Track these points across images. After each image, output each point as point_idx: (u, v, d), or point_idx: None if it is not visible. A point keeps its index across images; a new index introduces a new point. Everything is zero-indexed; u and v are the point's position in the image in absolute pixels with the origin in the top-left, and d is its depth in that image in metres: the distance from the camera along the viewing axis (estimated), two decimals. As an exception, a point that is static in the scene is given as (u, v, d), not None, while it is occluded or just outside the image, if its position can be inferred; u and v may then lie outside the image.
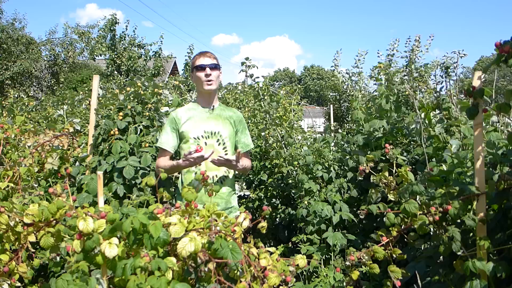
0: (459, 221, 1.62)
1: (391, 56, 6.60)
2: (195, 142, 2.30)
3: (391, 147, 2.23)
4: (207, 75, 2.30)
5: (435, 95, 3.05)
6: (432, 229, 1.72)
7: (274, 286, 1.16)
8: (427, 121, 2.65)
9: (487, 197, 1.63)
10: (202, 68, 2.31)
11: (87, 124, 3.71)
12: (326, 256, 3.08)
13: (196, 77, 2.34)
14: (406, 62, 5.79)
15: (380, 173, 1.97)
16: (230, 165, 2.24)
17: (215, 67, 2.34)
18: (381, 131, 3.04)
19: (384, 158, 2.52)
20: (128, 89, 3.11)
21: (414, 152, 2.79)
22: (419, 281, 1.80)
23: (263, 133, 3.86)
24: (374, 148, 3.01)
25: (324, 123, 9.87)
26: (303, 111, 5.96)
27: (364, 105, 3.39)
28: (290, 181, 3.51)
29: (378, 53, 7.09)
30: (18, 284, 1.37)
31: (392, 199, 1.97)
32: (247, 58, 3.25)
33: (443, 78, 3.20)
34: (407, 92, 2.93)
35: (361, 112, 3.11)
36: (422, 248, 1.97)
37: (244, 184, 4.13)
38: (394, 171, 2.01)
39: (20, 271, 1.34)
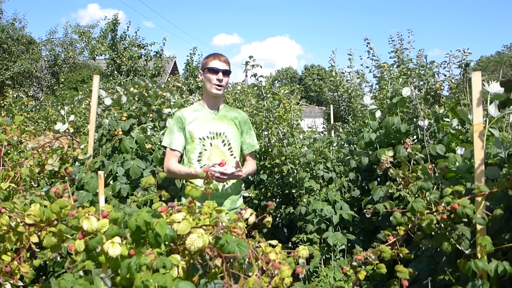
0: (466, 220, 1.63)
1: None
2: (200, 143, 2.29)
3: (411, 142, 2.22)
4: (219, 80, 2.29)
5: (453, 91, 3.03)
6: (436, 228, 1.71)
7: (287, 278, 1.16)
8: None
9: (494, 196, 1.63)
10: (215, 71, 2.28)
11: (87, 124, 3.71)
12: (326, 256, 3.09)
13: (207, 78, 2.31)
14: (395, 62, 5.76)
15: (400, 168, 1.95)
16: (235, 177, 2.22)
17: (227, 73, 2.33)
18: (395, 129, 3.04)
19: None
20: (131, 90, 3.13)
21: (424, 151, 2.80)
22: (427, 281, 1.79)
23: (265, 132, 3.87)
24: (379, 147, 3.02)
25: (323, 123, 9.86)
26: (302, 111, 5.97)
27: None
28: (291, 179, 3.51)
29: (361, 58, 7.10)
30: (20, 283, 1.37)
31: (400, 196, 1.97)
32: (251, 57, 3.25)
33: (459, 75, 3.17)
34: (437, 85, 2.92)
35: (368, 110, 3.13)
36: (422, 247, 1.97)
37: (243, 185, 4.13)
38: (410, 167, 2.01)
39: (22, 271, 1.34)
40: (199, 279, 1.15)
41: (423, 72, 3.19)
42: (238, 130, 2.41)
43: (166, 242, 1.15)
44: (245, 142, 2.47)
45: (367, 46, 6.74)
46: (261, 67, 3.24)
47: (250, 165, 2.44)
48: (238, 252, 1.09)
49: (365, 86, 7.37)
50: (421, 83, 3.05)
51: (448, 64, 3.19)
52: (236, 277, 1.14)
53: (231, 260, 1.13)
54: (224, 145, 2.34)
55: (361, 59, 7.13)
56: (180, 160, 2.41)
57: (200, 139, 2.29)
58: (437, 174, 1.91)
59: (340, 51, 8.26)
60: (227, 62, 2.34)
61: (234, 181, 2.35)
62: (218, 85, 2.29)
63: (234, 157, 2.36)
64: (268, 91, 3.40)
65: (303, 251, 1.29)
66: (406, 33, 6.31)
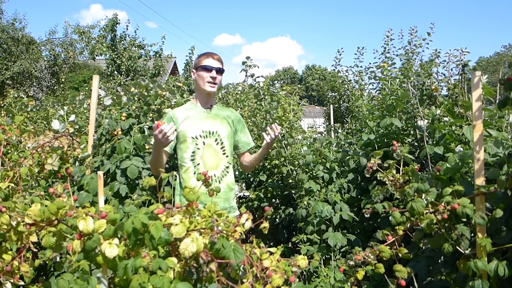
0: (465, 220, 1.62)
1: (387, 53, 6.39)
2: (193, 142, 2.28)
3: (399, 144, 2.21)
4: (212, 78, 2.31)
5: (449, 92, 3.01)
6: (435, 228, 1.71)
7: (278, 287, 1.15)
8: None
9: (494, 196, 1.63)
10: (209, 69, 2.30)
11: (88, 124, 3.70)
12: (326, 256, 3.08)
13: (200, 76, 2.32)
14: (402, 60, 5.60)
15: (388, 171, 1.94)
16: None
17: (221, 71, 2.35)
18: (393, 128, 3.02)
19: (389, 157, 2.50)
20: (132, 90, 3.13)
21: (423, 151, 2.79)
22: (415, 283, 1.79)
23: (263, 133, 3.85)
24: (377, 148, 3.01)
25: (323, 123, 9.85)
26: (303, 111, 5.94)
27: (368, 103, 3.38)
28: (290, 181, 3.50)
29: (375, 52, 6.94)
30: (22, 282, 1.37)
31: (398, 197, 1.96)
32: (247, 57, 3.24)
33: (458, 75, 3.15)
34: (433, 87, 2.91)
35: (366, 110, 3.12)
36: (421, 247, 1.96)
37: (244, 184, 4.12)
38: (400, 169, 2.00)
39: (22, 271, 1.33)
40: (195, 283, 1.13)
41: (421, 72, 3.18)
42: (231, 129, 2.40)
43: (161, 246, 1.13)
44: (240, 140, 2.46)
45: (384, 43, 6.55)
46: (258, 67, 3.24)
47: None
48: (233, 258, 1.08)
49: (366, 84, 7.26)
50: (421, 82, 3.04)
51: (447, 63, 3.19)
52: (231, 281, 1.13)
53: (227, 265, 1.12)
54: (217, 144, 2.33)
55: (358, 56, 6.97)
56: (175, 160, 2.40)
57: (192, 138, 2.28)
58: (426, 176, 1.91)
59: (342, 51, 8.12)
60: (220, 60, 2.37)
61: (228, 180, 2.35)
62: (211, 83, 2.31)
63: (227, 156, 2.36)
64: (266, 92, 3.39)
65: (302, 261, 1.28)
66: (418, 29, 6.00)
